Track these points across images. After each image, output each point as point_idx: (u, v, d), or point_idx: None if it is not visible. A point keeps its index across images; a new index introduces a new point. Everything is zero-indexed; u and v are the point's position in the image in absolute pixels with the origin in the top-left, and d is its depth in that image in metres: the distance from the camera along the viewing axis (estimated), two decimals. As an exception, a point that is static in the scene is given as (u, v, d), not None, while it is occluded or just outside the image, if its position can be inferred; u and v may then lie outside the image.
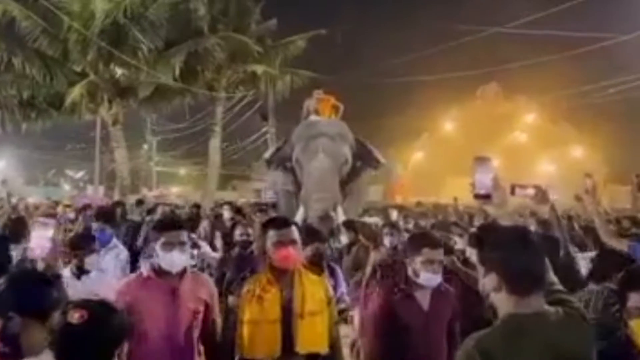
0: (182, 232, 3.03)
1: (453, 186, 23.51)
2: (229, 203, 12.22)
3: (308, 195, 8.73)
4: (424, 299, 3.16)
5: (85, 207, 10.36)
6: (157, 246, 2.97)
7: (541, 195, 2.41)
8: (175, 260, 2.96)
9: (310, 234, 4.19)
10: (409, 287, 3.16)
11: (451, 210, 10.08)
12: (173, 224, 3.15)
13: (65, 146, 36.81)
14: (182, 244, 2.97)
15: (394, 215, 9.22)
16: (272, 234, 2.94)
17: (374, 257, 4.50)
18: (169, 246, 2.94)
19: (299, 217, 8.32)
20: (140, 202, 11.23)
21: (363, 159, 9.76)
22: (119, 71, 15.99)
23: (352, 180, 9.45)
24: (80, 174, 43.48)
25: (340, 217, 7.89)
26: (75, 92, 15.44)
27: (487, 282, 1.87)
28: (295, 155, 9.28)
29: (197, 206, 11.35)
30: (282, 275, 2.90)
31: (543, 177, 29.56)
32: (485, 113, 31.80)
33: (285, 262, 2.88)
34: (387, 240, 5.38)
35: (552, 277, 2.03)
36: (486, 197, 2.13)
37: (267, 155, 10.62)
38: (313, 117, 10.43)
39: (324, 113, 10.58)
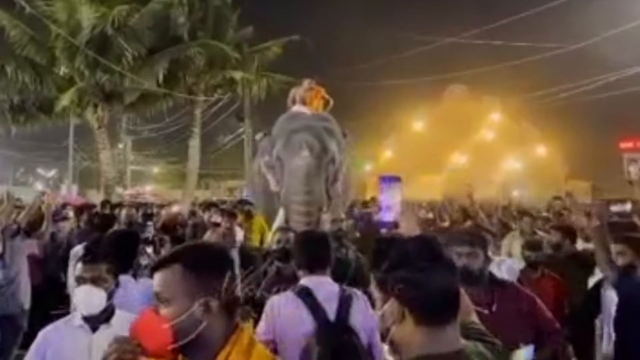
0: None
1: (421, 184, 24.68)
2: (216, 205, 10.38)
3: (289, 198, 7.76)
4: None
5: (84, 207, 9.22)
6: None
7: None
8: None
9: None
10: None
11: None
12: None
13: (36, 145, 36.78)
14: None
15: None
16: None
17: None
18: None
19: (279, 221, 7.53)
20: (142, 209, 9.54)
21: (347, 151, 8.78)
22: (104, 77, 16.49)
23: (338, 179, 8.34)
24: (51, 173, 43.47)
25: (325, 221, 7.00)
26: (66, 98, 16.04)
27: (387, 311, 1.47)
28: (276, 151, 8.18)
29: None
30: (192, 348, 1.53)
31: (510, 173, 30.96)
32: (452, 112, 32.05)
33: None
34: None
35: (474, 317, 1.71)
36: (393, 225, 1.81)
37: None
38: (296, 108, 9.26)
39: (311, 104, 9.50)
